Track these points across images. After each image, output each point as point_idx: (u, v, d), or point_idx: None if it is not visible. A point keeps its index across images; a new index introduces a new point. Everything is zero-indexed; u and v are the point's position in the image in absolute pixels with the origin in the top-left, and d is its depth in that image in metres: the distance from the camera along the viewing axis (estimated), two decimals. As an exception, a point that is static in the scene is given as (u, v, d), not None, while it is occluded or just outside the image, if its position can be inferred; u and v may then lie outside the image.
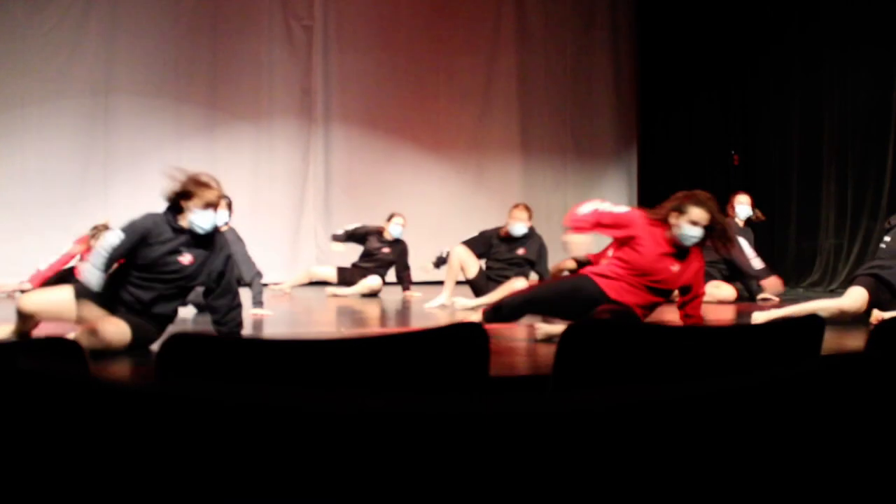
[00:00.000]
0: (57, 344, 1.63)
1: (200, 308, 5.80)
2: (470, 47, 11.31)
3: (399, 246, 8.76)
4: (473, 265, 7.55)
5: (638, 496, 0.85)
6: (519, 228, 7.53)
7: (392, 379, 1.78)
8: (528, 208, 7.65)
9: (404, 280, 8.64)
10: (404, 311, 7.43)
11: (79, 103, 9.92)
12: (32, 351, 1.62)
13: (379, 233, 8.80)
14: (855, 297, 5.33)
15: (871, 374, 1.02)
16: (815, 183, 9.18)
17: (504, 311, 4.72)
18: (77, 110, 9.92)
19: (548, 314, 4.81)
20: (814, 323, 2.20)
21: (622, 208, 4.68)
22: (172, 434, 0.80)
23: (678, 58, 10.90)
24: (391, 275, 8.75)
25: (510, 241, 7.62)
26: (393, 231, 8.73)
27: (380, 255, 8.72)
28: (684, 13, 10.81)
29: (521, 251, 7.60)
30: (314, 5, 10.76)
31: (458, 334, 1.81)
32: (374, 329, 5.92)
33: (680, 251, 4.43)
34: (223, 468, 0.80)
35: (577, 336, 1.96)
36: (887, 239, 5.60)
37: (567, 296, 4.52)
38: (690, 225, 4.36)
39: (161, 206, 4.30)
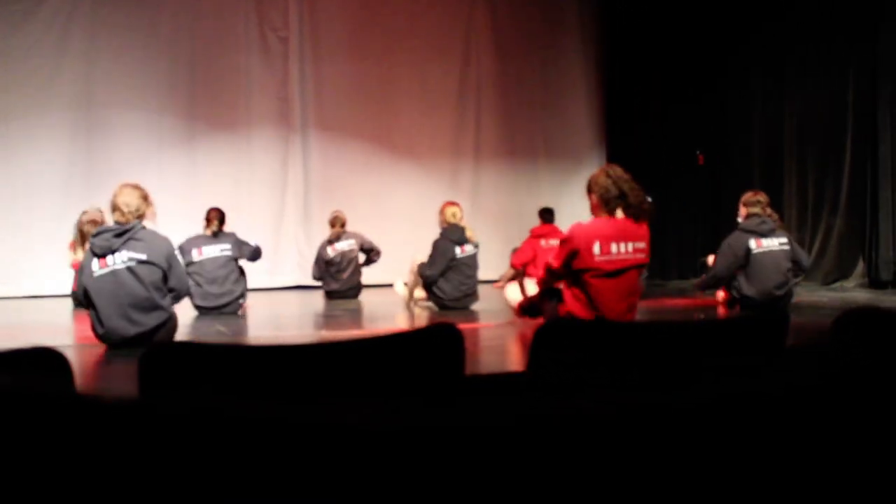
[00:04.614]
0: (43, 356, 1.62)
1: None
2: (443, 55, 11.36)
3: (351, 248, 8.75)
4: None
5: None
6: None
7: (370, 380, 1.81)
8: None
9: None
10: (384, 311, 7.48)
11: (61, 118, 9.93)
12: (17, 363, 1.61)
13: (329, 241, 8.75)
14: None
15: (838, 364, 1.04)
16: (778, 180, 9.49)
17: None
18: (59, 124, 9.94)
19: None
20: (777, 318, 2.27)
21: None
22: (155, 447, 0.81)
23: (644, 61, 11.05)
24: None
25: None
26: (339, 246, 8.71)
27: (339, 258, 8.69)
28: (650, 17, 10.97)
29: None
30: (289, 17, 10.80)
31: (435, 335, 1.84)
32: (352, 331, 5.95)
33: None
34: (206, 480, 0.81)
35: (550, 334, 2.00)
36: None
37: None
38: None
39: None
